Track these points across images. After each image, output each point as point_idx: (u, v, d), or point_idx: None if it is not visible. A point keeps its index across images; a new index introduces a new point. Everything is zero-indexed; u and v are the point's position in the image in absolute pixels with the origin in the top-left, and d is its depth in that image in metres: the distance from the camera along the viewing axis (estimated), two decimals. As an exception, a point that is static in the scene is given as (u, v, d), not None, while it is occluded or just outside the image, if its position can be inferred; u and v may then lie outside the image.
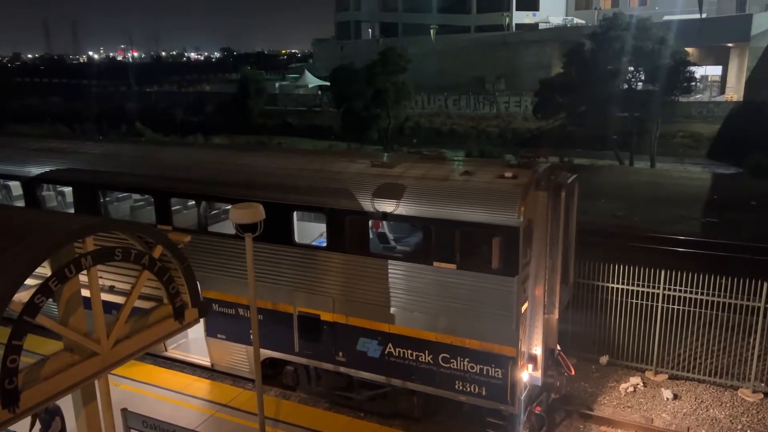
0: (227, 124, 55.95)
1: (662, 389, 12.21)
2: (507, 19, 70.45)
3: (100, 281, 8.36)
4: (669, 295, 12.45)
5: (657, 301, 12.54)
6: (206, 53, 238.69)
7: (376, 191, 10.57)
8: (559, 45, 55.25)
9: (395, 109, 41.76)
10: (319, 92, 64.93)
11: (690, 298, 12.30)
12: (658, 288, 12.48)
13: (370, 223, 10.98)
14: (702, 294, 12.19)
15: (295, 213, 11.35)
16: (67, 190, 14.72)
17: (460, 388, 10.52)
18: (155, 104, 73.44)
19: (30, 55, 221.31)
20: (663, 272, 12.43)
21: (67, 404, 8.12)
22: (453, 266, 10.05)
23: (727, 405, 11.76)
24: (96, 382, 8.06)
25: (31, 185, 14.12)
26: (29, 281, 7.08)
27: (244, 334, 11.99)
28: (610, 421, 11.36)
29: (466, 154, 36.70)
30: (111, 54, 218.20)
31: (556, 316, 10.76)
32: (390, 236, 12.01)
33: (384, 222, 11.66)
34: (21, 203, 14.70)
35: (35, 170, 13.95)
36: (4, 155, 14.81)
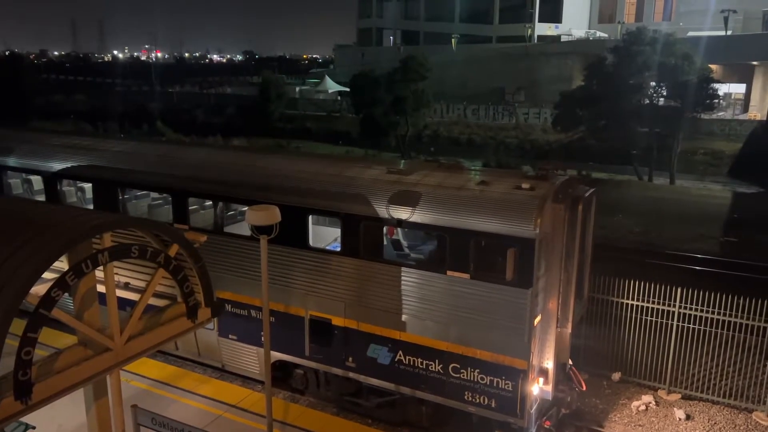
0: (247, 126, 56.38)
1: (675, 409, 12.04)
2: (529, 31, 70.33)
3: (116, 278, 8.44)
4: (685, 314, 12.29)
5: (672, 319, 12.39)
6: (229, 56, 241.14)
7: (392, 198, 10.57)
8: (581, 58, 55.01)
9: (414, 117, 41.76)
10: (339, 98, 65.27)
11: (706, 318, 12.14)
12: (674, 306, 12.33)
13: (384, 229, 10.98)
14: (718, 314, 12.02)
15: (310, 217, 11.40)
16: (87, 186, 14.92)
17: (470, 399, 10.45)
18: (177, 105, 74.27)
19: (56, 53, 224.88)
20: (679, 290, 12.28)
21: (78, 399, 8.18)
22: (467, 276, 10.01)
23: (741, 428, 11.56)
24: (108, 377, 8.13)
25: (52, 180, 14.33)
26: (46, 275, 7.17)
27: (255, 336, 12.03)
28: (621, 438, 11.23)
29: (483, 164, 36.62)
30: (135, 54, 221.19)
31: (569, 330, 10.67)
32: (404, 243, 12.00)
33: (398, 229, 11.66)
34: (42, 198, 14.92)
35: (57, 166, 14.16)
36: (28, 150, 15.06)
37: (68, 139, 15.75)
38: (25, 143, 15.59)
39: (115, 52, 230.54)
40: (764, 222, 25.19)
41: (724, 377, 12.46)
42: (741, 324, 11.90)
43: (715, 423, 11.70)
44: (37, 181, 15.32)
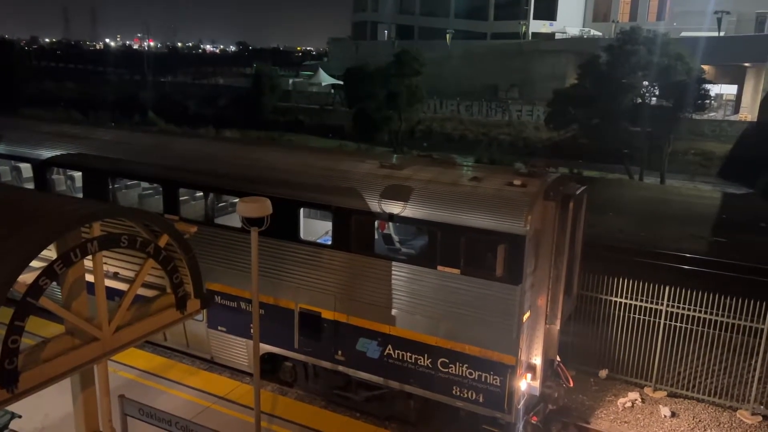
0: (239, 118, 56.13)
1: (660, 406, 12.14)
2: (524, 28, 70.40)
3: (105, 267, 8.39)
4: (672, 312, 12.39)
5: (660, 318, 12.48)
6: (222, 46, 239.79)
7: (384, 192, 10.57)
8: (575, 56, 55.07)
9: (407, 112, 41.78)
10: (332, 91, 65.01)
11: (693, 316, 12.24)
12: (662, 304, 12.42)
13: (376, 223, 10.99)
14: (705, 313, 12.13)
15: (301, 209, 11.38)
16: (77, 174, 14.81)
17: (458, 393, 10.49)
18: (169, 95, 73.66)
19: (47, 40, 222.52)
20: (667, 289, 12.37)
21: (65, 388, 8.15)
22: (457, 271, 10.03)
23: (725, 426, 11.68)
24: (95, 367, 8.09)
25: (41, 168, 14.21)
26: (35, 263, 7.12)
27: (245, 328, 12.02)
28: (607, 435, 11.31)
29: (475, 161, 36.66)
30: (127, 42, 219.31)
31: (558, 326, 10.73)
32: (395, 238, 12.01)
33: (390, 223, 11.66)
34: (31, 186, 14.80)
35: (46, 154, 14.04)
36: (17, 138, 14.91)
37: (58, 126, 15.62)
38: (15, 130, 15.45)
39: (108, 40, 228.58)
40: (753, 223, 25.43)
41: (710, 376, 12.58)
42: (727, 323, 12.01)
43: (699, 420, 11.81)
44: (26, 168, 15.18)
